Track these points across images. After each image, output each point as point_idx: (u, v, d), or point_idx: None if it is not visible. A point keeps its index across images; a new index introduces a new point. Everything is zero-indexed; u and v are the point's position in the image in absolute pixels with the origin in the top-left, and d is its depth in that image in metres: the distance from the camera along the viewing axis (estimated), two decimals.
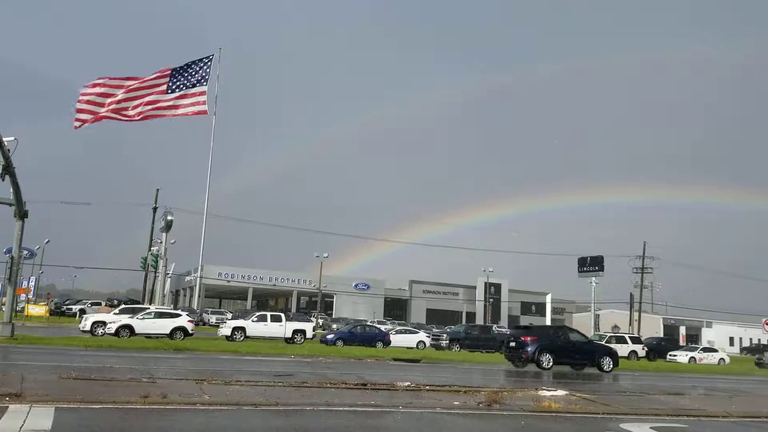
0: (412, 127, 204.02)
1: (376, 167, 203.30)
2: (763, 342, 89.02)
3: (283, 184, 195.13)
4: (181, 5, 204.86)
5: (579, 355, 28.59)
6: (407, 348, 40.32)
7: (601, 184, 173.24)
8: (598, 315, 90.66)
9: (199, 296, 76.98)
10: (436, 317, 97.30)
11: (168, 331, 32.75)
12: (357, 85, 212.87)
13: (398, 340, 42.53)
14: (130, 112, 35.24)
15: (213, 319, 61.51)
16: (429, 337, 44.82)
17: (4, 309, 27.45)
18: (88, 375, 13.55)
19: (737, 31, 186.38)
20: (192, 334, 33.84)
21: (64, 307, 67.25)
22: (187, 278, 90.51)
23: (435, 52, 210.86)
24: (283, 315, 40.89)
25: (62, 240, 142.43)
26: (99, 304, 63.06)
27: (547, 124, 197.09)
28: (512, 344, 28.72)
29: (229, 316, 63.04)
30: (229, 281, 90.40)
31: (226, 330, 37.30)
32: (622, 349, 40.40)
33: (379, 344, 39.30)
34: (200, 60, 39.42)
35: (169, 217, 40.85)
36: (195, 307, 68.66)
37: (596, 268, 78.01)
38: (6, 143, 24.19)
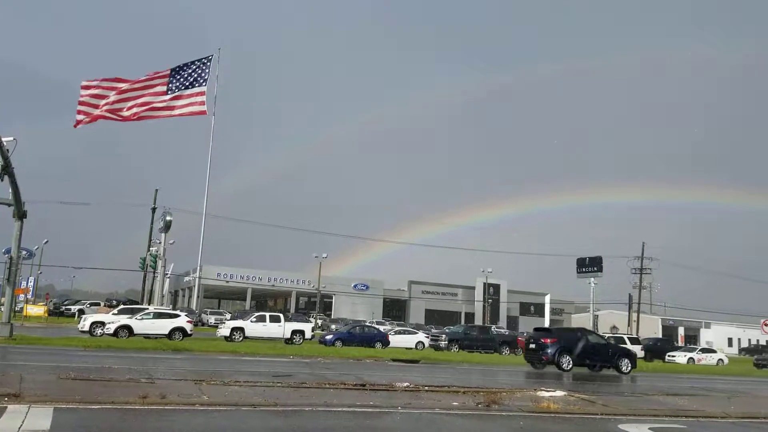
0: (412, 127, 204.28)
1: (375, 167, 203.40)
2: (762, 343, 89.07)
3: (283, 184, 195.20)
4: (181, 5, 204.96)
5: (598, 357, 28.95)
6: (406, 348, 40.32)
7: (600, 184, 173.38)
8: (597, 316, 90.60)
9: (197, 297, 76.93)
10: (435, 318, 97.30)
11: (167, 332, 32.74)
12: (357, 85, 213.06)
13: (397, 340, 42.54)
14: (129, 112, 35.27)
15: (212, 319, 61.46)
16: (428, 337, 44.83)
17: (2, 309, 27.42)
18: (86, 375, 13.54)
19: (737, 31, 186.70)
20: (191, 335, 33.83)
21: (63, 307, 67.22)
22: (186, 278, 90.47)
23: (435, 52, 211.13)
24: (282, 315, 40.91)
25: (61, 240, 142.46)
26: (98, 304, 63.08)
27: (547, 124, 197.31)
28: (532, 346, 29.05)
29: (228, 316, 63.02)
30: (227, 282, 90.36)
31: (224, 330, 37.30)
32: None
33: (378, 345, 39.30)
34: (199, 60, 39.45)
35: (167, 218, 40.87)
36: (194, 308, 68.65)
37: (595, 268, 78.01)
38: (5, 143, 24.17)
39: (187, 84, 37.99)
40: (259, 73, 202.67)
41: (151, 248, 48.91)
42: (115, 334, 31.49)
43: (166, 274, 49.52)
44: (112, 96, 34.78)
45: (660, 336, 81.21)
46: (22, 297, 50.62)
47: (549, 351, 27.62)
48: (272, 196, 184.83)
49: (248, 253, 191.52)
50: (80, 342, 26.67)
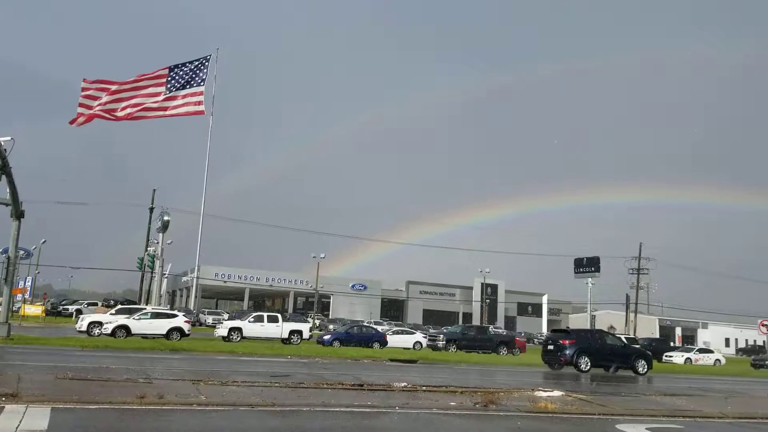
0: (411, 127, 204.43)
1: (374, 167, 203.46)
2: (759, 343, 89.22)
3: (281, 184, 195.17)
4: (181, 5, 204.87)
5: (615, 358, 29.23)
6: (404, 348, 40.32)
7: (600, 184, 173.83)
8: (594, 316, 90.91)
9: (195, 297, 76.80)
10: (433, 318, 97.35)
11: (164, 332, 32.72)
12: (357, 85, 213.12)
13: (395, 340, 42.54)
14: (126, 112, 35.25)
15: (209, 319, 61.37)
16: (426, 337, 44.81)
17: (0, 309, 27.36)
18: (84, 375, 13.54)
19: (737, 31, 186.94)
20: (188, 335, 33.80)
21: (61, 307, 67.12)
22: (184, 279, 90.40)
23: (435, 52, 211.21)
24: (279, 315, 40.88)
25: (59, 240, 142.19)
26: (95, 304, 63.00)
27: (547, 124, 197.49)
28: (550, 347, 29.34)
29: (226, 316, 62.97)
30: (225, 282, 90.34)
31: (222, 330, 37.28)
32: None
33: (376, 345, 39.29)
34: (197, 60, 39.42)
35: (165, 218, 40.84)
36: (191, 308, 68.50)
37: (592, 269, 78.33)
38: (2, 143, 24.14)
39: (185, 84, 37.96)
40: (258, 73, 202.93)
41: (148, 248, 48.90)
42: (113, 334, 31.47)
43: (164, 274, 49.51)
44: (117, 93, 34.80)
45: (657, 336, 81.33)
46: (19, 297, 50.57)
47: (567, 352, 27.96)
48: (271, 196, 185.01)
49: (246, 253, 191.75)
50: (78, 342, 26.65)
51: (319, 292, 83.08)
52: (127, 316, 33.96)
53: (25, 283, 54.50)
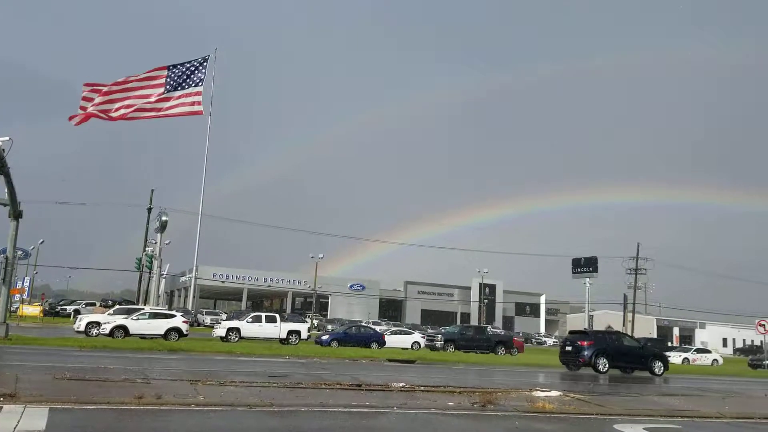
0: (411, 127, 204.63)
1: (373, 168, 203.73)
2: (757, 343, 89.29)
3: (280, 184, 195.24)
4: (181, 5, 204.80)
5: (632, 360, 29.64)
6: (402, 349, 40.33)
7: (599, 184, 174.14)
8: (592, 316, 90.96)
9: (193, 297, 76.86)
10: (431, 318, 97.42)
11: (162, 332, 32.70)
12: (357, 85, 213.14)
13: (393, 340, 42.55)
14: (123, 111, 35.28)
15: (208, 319, 61.41)
16: (424, 337, 44.83)
17: None
18: (82, 375, 13.53)
19: (737, 31, 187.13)
20: (186, 335, 33.79)
21: (59, 307, 67.09)
22: (182, 279, 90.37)
23: (435, 52, 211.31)
24: (278, 316, 40.86)
25: (57, 240, 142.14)
26: (93, 304, 62.98)
27: (547, 125, 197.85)
28: (568, 348, 29.67)
29: (224, 316, 62.96)
30: (223, 282, 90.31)
31: (220, 331, 37.26)
32: None
33: (374, 345, 39.30)
34: (196, 60, 39.43)
35: (163, 218, 40.82)
36: (190, 308, 68.53)
37: (590, 269, 78.30)
38: (1, 143, 24.11)
39: (184, 84, 37.96)
40: (258, 73, 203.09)
41: (147, 248, 48.86)
42: (111, 334, 31.45)
43: (162, 274, 49.43)
44: (115, 93, 34.86)
45: (655, 336, 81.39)
46: (17, 297, 50.55)
47: (586, 353, 28.24)
48: (269, 196, 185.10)
49: (244, 253, 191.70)
50: (76, 342, 26.62)
51: (317, 293, 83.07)
52: (125, 316, 33.94)
53: (23, 284, 54.53)
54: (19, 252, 33.38)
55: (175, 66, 38.24)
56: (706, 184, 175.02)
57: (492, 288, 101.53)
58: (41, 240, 72.37)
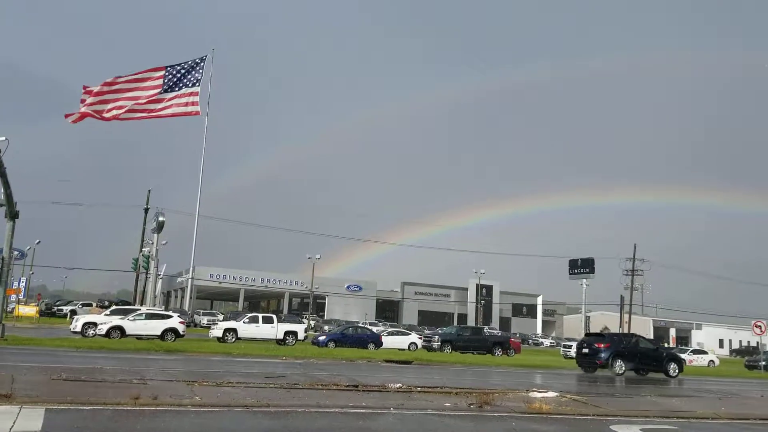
0: (409, 127, 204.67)
1: (371, 168, 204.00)
2: (753, 344, 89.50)
3: (278, 184, 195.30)
4: (181, 5, 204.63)
5: (648, 362, 30.10)
6: (399, 349, 40.32)
7: (596, 185, 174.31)
8: (589, 317, 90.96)
9: (190, 297, 76.80)
10: (428, 319, 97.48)
11: (159, 333, 32.65)
12: (356, 85, 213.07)
13: (390, 341, 42.53)
14: (120, 111, 35.25)
15: (204, 320, 61.30)
16: (421, 338, 44.80)
17: None
18: (78, 376, 13.50)
19: (737, 31, 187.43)
20: (183, 336, 33.73)
21: (55, 308, 66.95)
22: (179, 279, 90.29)
23: (435, 52, 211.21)
24: (274, 316, 40.79)
25: (54, 240, 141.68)
26: (90, 305, 62.78)
27: (545, 125, 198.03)
28: (585, 351, 30.04)
29: (221, 317, 62.89)
30: (220, 282, 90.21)
31: (217, 331, 37.20)
32: None
33: (371, 346, 39.27)
34: (193, 60, 39.36)
35: (160, 218, 40.78)
36: (186, 309, 68.46)
37: (587, 270, 78.33)
38: None
39: (181, 84, 37.90)
40: (255, 74, 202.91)
41: (143, 249, 48.78)
42: (108, 334, 31.39)
43: (159, 274, 49.34)
44: (112, 93, 34.86)
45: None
46: (13, 297, 50.42)
47: (603, 355, 28.68)
48: (267, 196, 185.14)
49: (241, 253, 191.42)
50: (72, 343, 26.57)
51: (314, 293, 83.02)
52: (122, 317, 33.86)
53: (19, 284, 54.41)
54: (16, 252, 33.36)
55: (172, 66, 38.18)
56: (704, 185, 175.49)
57: (489, 289, 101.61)
58: (38, 240, 72.27)
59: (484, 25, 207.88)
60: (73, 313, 55.45)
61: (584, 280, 78.65)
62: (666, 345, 72.50)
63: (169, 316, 35.28)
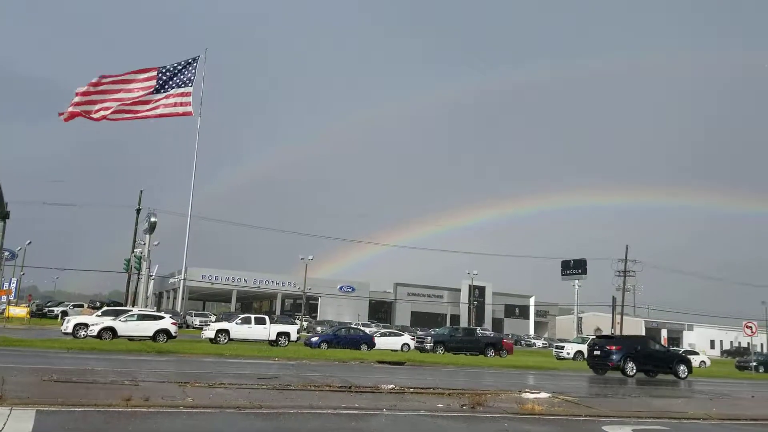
0: (401, 128, 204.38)
1: (363, 170, 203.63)
2: (744, 345, 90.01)
3: (270, 185, 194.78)
4: (181, 5, 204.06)
5: (658, 363, 30.64)
6: (392, 350, 40.29)
7: (589, 186, 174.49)
8: (581, 318, 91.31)
9: (182, 298, 76.50)
10: (421, 320, 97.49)
11: (151, 334, 32.54)
12: (356, 85, 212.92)
13: (383, 342, 42.51)
14: (112, 111, 35.17)
15: (197, 321, 61.15)
16: (413, 339, 44.80)
17: None
18: (69, 377, 13.45)
19: (737, 31, 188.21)
20: (175, 337, 33.62)
21: (46, 309, 66.55)
22: (171, 280, 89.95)
23: (435, 52, 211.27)
24: (267, 317, 40.72)
25: (45, 241, 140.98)
26: (81, 306, 62.47)
27: (546, 125, 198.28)
28: (597, 353, 30.46)
29: (213, 318, 62.74)
30: (213, 283, 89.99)
31: (209, 332, 37.10)
32: None
33: (364, 347, 39.25)
34: (186, 61, 39.29)
35: (152, 219, 40.65)
36: (178, 310, 68.25)
37: (579, 271, 78.71)
38: None
39: (173, 85, 37.83)
40: (253, 73, 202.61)
41: (135, 250, 48.61)
42: (99, 336, 31.25)
43: (151, 275, 49.22)
44: (105, 94, 34.84)
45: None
46: (4, 298, 50.20)
47: (614, 357, 29.08)
48: (264, 197, 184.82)
49: (234, 254, 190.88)
50: (63, 344, 26.46)
51: (306, 294, 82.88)
52: (114, 317, 33.73)
53: (9, 285, 54.16)
54: (6, 253, 33.18)
55: (165, 68, 38.11)
56: (696, 187, 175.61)
57: (481, 290, 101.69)
58: (28, 241, 71.90)
59: (484, 25, 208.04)
60: (65, 314, 55.18)
61: (576, 281, 78.98)
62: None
63: (161, 317, 35.16)
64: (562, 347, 48.88)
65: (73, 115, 34.26)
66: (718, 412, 14.29)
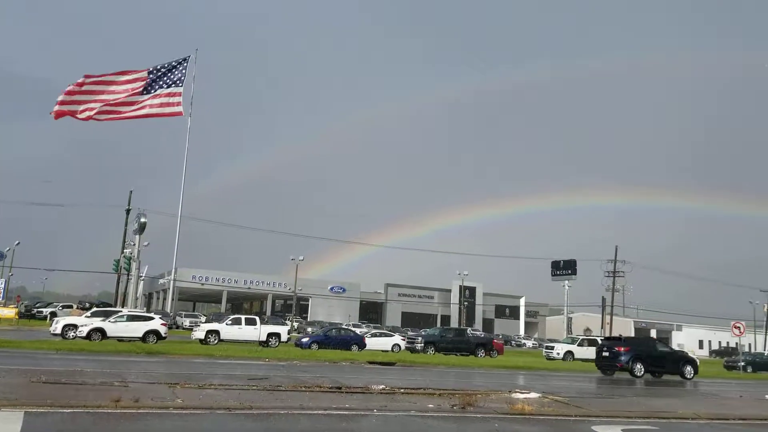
0: (395, 129, 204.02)
1: (355, 171, 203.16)
2: (732, 345, 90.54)
3: (271, 185, 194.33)
4: (181, 5, 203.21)
5: (665, 364, 31.09)
6: (382, 351, 40.28)
7: (579, 187, 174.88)
8: (571, 318, 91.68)
9: (172, 299, 76.20)
10: (412, 320, 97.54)
11: (141, 335, 32.40)
12: (356, 85, 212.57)
13: (373, 343, 42.49)
14: (102, 111, 35.05)
15: (186, 322, 60.93)
16: (404, 340, 44.81)
17: None
18: (58, 379, 13.36)
19: (737, 31, 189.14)
20: (165, 338, 33.49)
21: (35, 309, 66.18)
22: (161, 281, 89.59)
23: (435, 52, 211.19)
24: (257, 318, 40.66)
25: (34, 241, 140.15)
26: (70, 306, 62.15)
27: (546, 125, 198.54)
28: (605, 354, 30.80)
29: (203, 319, 62.52)
30: (203, 284, 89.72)
31: (199, 333, 37.00)
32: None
33: (355, 347, 39.23)
34: (176, 61, 39.11)
35: (142, 219, 40.45)
36: (168, 310, 68.01)
37: (569, 271, 79.08)
38: None
39: (161, 83, 37.67)
40: (250, 73, 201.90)
41: (125, 250, 48.36)
42: (88, 337, 31.09)
43: (141, 276, 48.97)
44: (96, 93, 34.79)
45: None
46: None
47: (623, 358, 29.52)
48: (259, 197, 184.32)
49: (225, 255, 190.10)
50: (52, 345, 26.29)
51: (297, 295, 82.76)
52: (103, 318, 33.56)
53: None
54: None
55: (155, 68, 37.94)
56: (685, 188, 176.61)
57: (472, 290, 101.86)
58: (17, 241, 71.39)
59: (484, 25, 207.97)
60: (53, 315, 54.88)
61: (566, 282, 79.32)
62: None
63: (151, 318, 35.02)
64: (552, 347, 49.02)
65: (61, 114, 34.20)
66: (707, 412, 14.38)
